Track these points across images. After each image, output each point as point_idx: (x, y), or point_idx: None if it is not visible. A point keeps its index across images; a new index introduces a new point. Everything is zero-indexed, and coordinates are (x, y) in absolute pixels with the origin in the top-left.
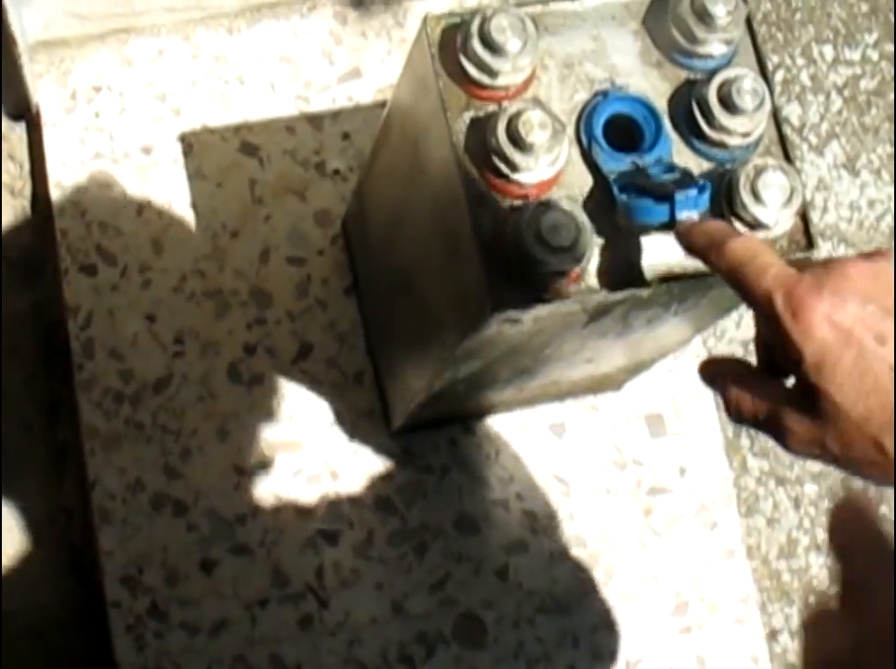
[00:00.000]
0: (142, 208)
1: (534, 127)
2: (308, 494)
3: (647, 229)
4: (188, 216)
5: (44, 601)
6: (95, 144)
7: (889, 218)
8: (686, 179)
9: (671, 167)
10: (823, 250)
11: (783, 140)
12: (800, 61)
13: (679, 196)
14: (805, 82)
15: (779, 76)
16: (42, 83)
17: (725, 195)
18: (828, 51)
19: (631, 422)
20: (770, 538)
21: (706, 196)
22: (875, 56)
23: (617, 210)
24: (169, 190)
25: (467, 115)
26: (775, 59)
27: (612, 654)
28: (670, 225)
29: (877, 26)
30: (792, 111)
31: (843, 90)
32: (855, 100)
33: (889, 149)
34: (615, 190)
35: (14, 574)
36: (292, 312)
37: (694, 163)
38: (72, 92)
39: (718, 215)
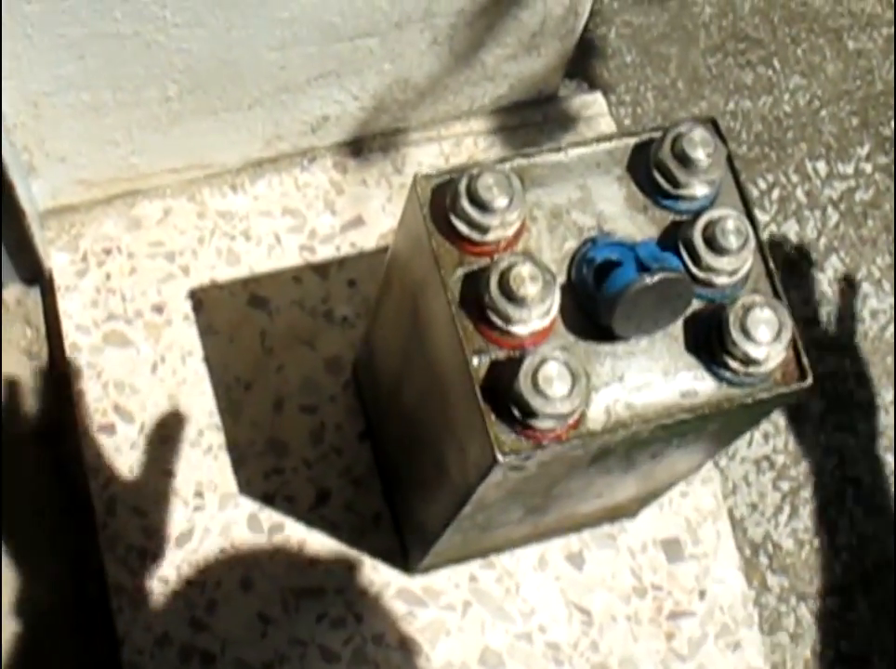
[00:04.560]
0: (156, 366)
1: (525, 280)
2: (333, 639)
3: (629, 310)
4: (201, 370)
5: None
6: (107, 305)
7: (892, 328)
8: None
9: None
10: (829, 363)
11: (770, 275)
12: (795, 178)
13: (641, 249)
14: (801, 198)
15: (775, 195)
16: (53, 248)
17: (716, 333)
18: (822, 167)
19: (648, 548)
20: (794, 654)
21: (669, 253)
22: (868, 168)
23: (593, 295)
24: (182, 347)
25: (461, 271)
26: (770, 177)
27: None
28: (646, 287)
29: (869, 138)
30: (790, 229)
31: (839, 204)
32: (851, 213)
33: (889, 259)
34: (581, 270)
35: None
36: (308, 460)
37: None
38: (82, 255)
39: (708, 353)
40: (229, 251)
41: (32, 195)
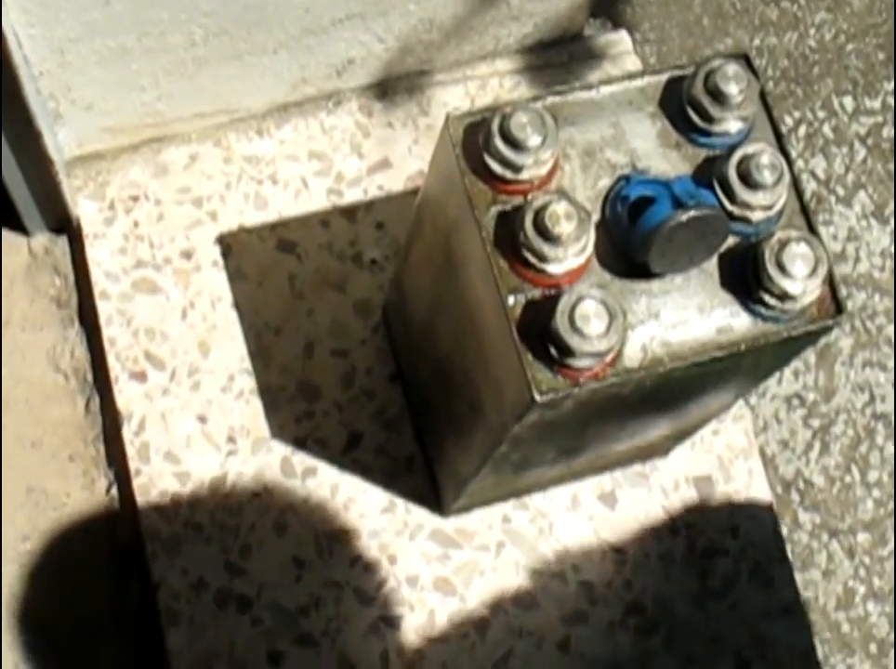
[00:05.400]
0: (186, 312)
1: (560, 219)
2: (367, 581)
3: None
4: (231, 316)
5: None
6: (136, 252)
7: None
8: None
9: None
10: (858, 299)
11: (805, 210)
12: (821, 114)
13: (676, 185)
14: (828, 134)
15: (801, 131)
16: (80, 196)
17: (751, 269)
18: (848, 102)
19: (680, 486)
20: (826, 590)
21: (703, 189)
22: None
23: (629, 231)
24: (212, 293)
25: (494, 210)
26: (797, 114)
27: None
28: (682, 224)
29: None
30: (817, 165)
31: (866, 139)
32: (879, 148)
33: None
34: (616, 207)
35: None
36: (339, 403)
37: None
38: (109, 203)
39: (744, 290)
40: (256, 196)
41: (59, 143)
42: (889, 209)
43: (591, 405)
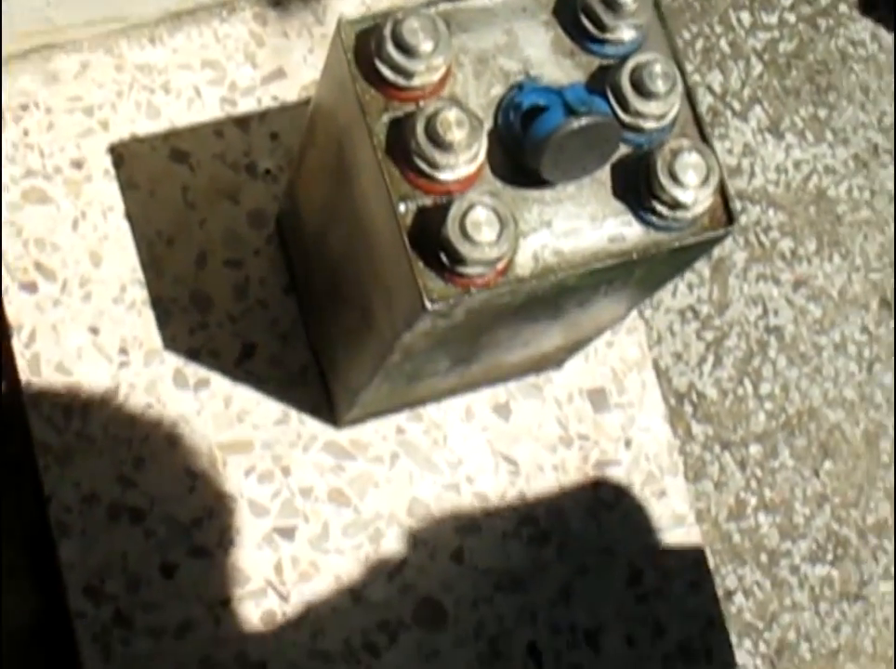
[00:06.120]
0: (77, 222)
1: (452, 126)
2: (261, 493)
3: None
4: (123, 226)
5: (4, 616)
6: (25, 161)
7: (816, 178)
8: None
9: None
10: (753, 214)
11: (698, 120)
12: (718, 29)
13: (568, 93)
14: (725, 49)
15: (698, 45)
16: None
17: (644, 178)
18: (745, 17)
19: (574, 398)
20: (718, 501)
21: (597, 97)
22: (792, 18)
23: (519, 137)
24: (103, 203)
25: (386, 117)
26: (694, 28)
27: (570, 627)
28: (574, 131)
29: None
30: (714, 79)
31: (762, 55)
32: (775, 64)
33: (812, 109)
34: (508, 115)
35: None
36: (233, 314)
37: None
38: None
39: (636, 199)
40: (148, 105)
41: None
42: (785, 124)
43: (483, 314)
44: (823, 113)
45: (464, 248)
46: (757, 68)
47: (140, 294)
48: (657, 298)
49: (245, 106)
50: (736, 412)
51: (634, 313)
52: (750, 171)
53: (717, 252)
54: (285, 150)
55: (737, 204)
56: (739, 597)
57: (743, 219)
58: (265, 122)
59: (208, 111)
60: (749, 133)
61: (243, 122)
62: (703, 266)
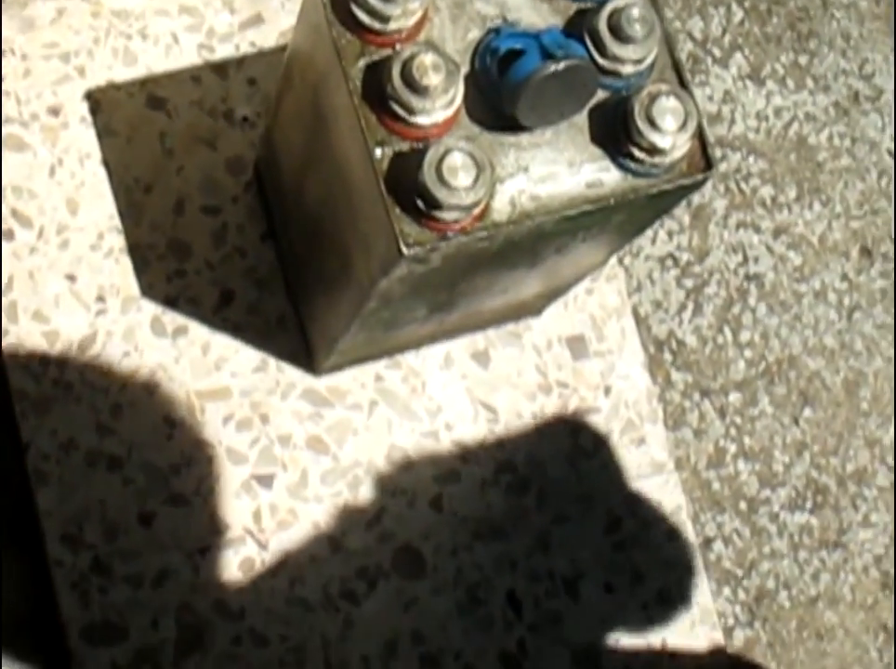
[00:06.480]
0: (54, 169)
1: (428, 70)
2: (239, 440)
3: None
4: (100, 173)
5: None
6: (2, 109)
7: (797, 126)
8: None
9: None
10: (733, 161)
11: (676, 66)
12: None
13: (545, 37)
14: None
15: None
16: None
17: (621, 123)
18: None
19: (553, 345)
20: (698, 449)
21: (574, 41)
22: None
23: (498, 83)
24: (80, 149)
25: (363, 62)
26: None
27: (549, 575)
28: (550, 75)
29: None
30: (694, 26)
31: (743, 1)
32: (756, 10)
33: (793, 56)
34: (485, 60)
35: None
36: (211, 261)
37: None
38: None
39: (614, 144)
40: (125, 51)
41: None
42: (766, 71)
43: (460, 260)
44: (803, 60)
45: (440, 193)
46: (738, 14)
47: (118, 241)
48: (637, 245)
49: (223, 52)
50: (716, 359)
51: (613, 260)
52: (730, 118)
53: (697, 199)
54: (263, 96)
55: (716, 151)
56: (718, 545)
57: (723, 167)
58: (243, 68)
59: (186, 57)
60: (730, 80)
61: (220, 68)
62: (683, 213)
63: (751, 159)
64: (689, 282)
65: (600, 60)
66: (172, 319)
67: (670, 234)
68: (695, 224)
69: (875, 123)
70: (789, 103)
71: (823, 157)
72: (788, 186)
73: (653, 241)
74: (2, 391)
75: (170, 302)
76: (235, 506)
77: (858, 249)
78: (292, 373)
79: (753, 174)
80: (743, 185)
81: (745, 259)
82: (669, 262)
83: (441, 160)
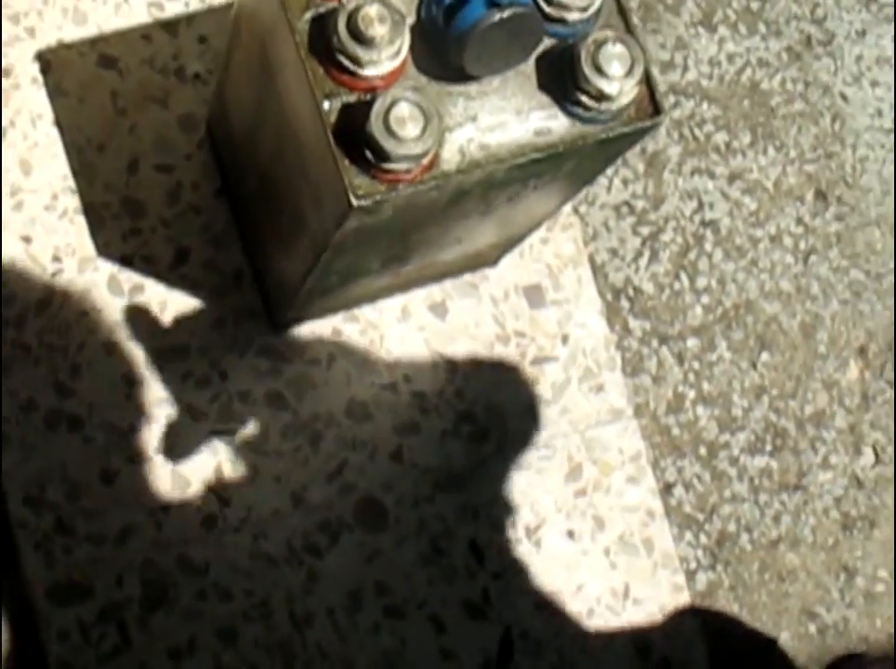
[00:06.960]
0: (6, 131)
1: (374, 21)
2: (199, 397)
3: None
4: (53, 134)
5: None
6: None
7: (749, 71)
8: None
9: None
10: (686, 108)
11: (622, 12)
12: None
13: None
14: None
15: None
16: None
17: (568, 70)
18: None
19: (510, 295)
20: (657, 395)
21: None
22: None
23: (443, 33)
24: (31, 111)
25: (309, 14)
26: None
27: (511, 523)
28: (496, 24)
29: None
30: None
31: None
32: None
33: (744, 2)
34: (431, 9)
35: None
36: (165, 219)
37: None
38: None
39: (561, 91)
40: (75, 10)
41: None
42: (718, 17)
43: (411, 211)
44: (755, 6)
45: (388, 144)
46: None
47: (72, 201)
48: (592, 194)
49: (173, 9)
50: (673, 306)
51: (568, 209)
52: (683, 65)
53: (651, 146)
54: (214, 53)
55: (669, 98)
56: (679, 490)
57: (676, 114)
58: (193, 25)
59: (136, 15)
60: (682, 27)
61: (170, 26)
62: (637, 161)
63: (704, 105)
64: (644, 230)
65: (546, 8)
66: (128, 277)
67: (625, 182)
68: (650, 171)
69: (827, 66)
70: (741, 49)
71: (776, 102)
72: (742, 132)
73: (609, 189)
74: None
75: (126, 261)
76: (197, 463)
77: (813, 193)
78: (250, 329)
79: (707, 120)
80: (697, 132)
81: (701, 205)
82: (625, 210)
83: (388, 111)
